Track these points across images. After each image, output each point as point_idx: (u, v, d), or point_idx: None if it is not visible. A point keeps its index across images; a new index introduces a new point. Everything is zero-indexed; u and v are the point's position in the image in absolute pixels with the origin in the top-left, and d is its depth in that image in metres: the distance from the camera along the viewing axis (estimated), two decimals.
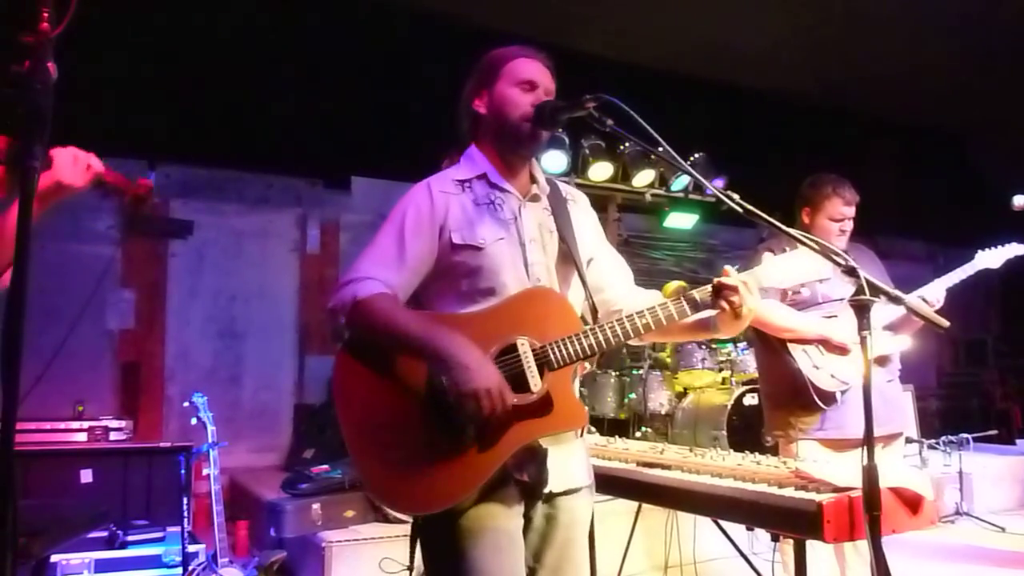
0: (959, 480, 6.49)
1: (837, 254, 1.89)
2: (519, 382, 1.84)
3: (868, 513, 1.79)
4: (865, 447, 1.83)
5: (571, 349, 1.89)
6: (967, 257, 3.59)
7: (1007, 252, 3.61)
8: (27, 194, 1.18)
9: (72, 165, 1.75)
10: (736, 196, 1.90)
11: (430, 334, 1.82)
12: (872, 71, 8.28)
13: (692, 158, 7.42)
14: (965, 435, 6.80)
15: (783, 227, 1.89)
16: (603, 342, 1.92)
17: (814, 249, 1.92)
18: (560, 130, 2.09)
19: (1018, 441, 8.04)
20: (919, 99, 8.96)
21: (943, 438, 6.75)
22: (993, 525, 6.15)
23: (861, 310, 1.83)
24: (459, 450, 1.81)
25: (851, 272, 1.83)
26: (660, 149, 1.90)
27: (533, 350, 1.88)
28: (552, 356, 1.88)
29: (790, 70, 8.24)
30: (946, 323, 1.90)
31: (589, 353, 1.91)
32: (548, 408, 1.86)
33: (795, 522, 1.94)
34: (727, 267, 2.00)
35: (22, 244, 1.18)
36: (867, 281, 1.84)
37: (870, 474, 1.80)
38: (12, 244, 1.71)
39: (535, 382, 1.85)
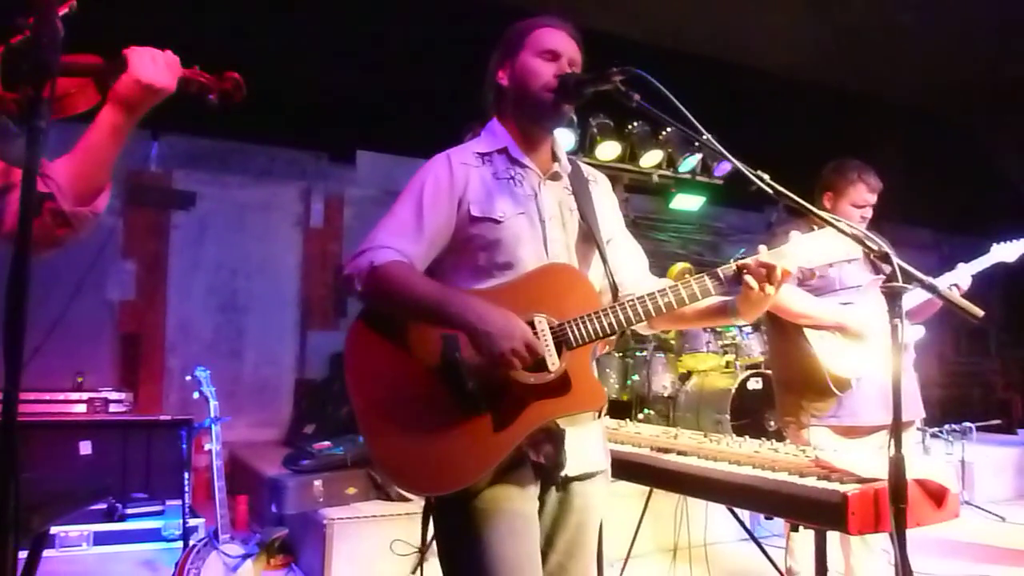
0: (961, 469, 6.48)
1: (870, 238, 1.83)
2: (536, 361, 1.79)
3: (894, 505, 1.74)
4: (892, 437, 1.78)
5: (590, 328, 1.84)
6: (973, 245, 3.57)
7: (1022, 246, 3.57)
8: (33, 156, 1.11)
9: (153, 64, 1.62)
10: (766, 177, 1.83)
11: (449, 299, 1.78)
12: (881, 55, 8.20)
13: (696, 143, 7.32)
14: (968, 424, 6.78)
15: (815, 210, 1.82)
16: (623, 321, 1.86)
17: (845, 233, 1.86)
18: (581, 102, 2.01)
19: (1019, 431, 8.01)
20: (928, 84, 8.88)
21: (947, 426, 6.73)
22: (994, 515, 6.14)
23: (893, 296, 1.76)
24: (474, 430, 1.76)
25: (884, 258, 1.77)
26: (696, 129, 1.83)
27: (551, 328, 1.82)
28: (571, 334, 1.83)
29: (799, 53, 8.15)
30: (980, 312, 1.84)
31: (608, 332, 1.85)
32: (566, 388, 1.80)
33: (818, 513, 1.89)
34: (760, 247, 1.93)
35: (26, 208, 1.11)
36: (900, 267, 1.77)
37: (897, 466, 1.74)
38: (102, 164, 1.63)
39: (553, 361, 1.80)
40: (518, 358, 1.72)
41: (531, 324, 1.82)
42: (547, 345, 1.80)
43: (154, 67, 1.61)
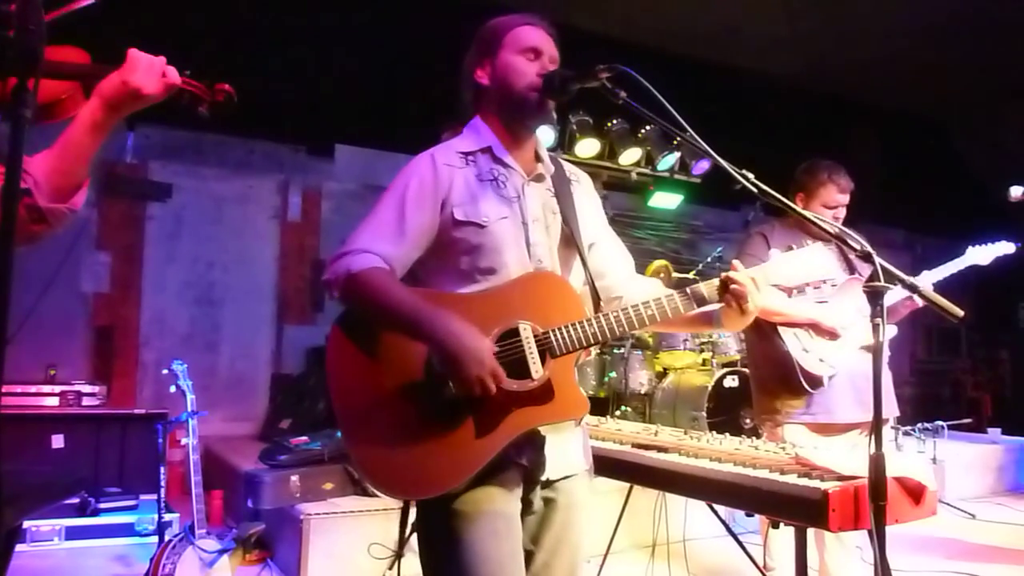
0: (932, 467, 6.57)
1: (852, 238, 1.85)
2: (520, 368, 1.78)
3: (874, 502, 1.76)
4: (873, 434, 1.80)
5: (574, 336, 1.83)
6: (946, 246, 3.60)
7: (997, 249, 3.62)
8: (17, 145, 1.09)
9: (145, 69, 1.60)
10: (751, 176, 1.84)
11: (424, 315, 1.74)
12: (857, 56, 8.27)
13: (675, 141, 7.38)
14: (940, 423, 6.87)
15: (799, 209, 1.84)
16: (607, 331, 1.85)
17: (828, 233, 1.88)
18: (566, 100, 2.02)
19: (989, 430, 8.12)
20: (903, 86, 8.97)
21: (919, 425, 6.82)
22: (965, 512, 6.23)
23: (875, 296, 1.78)
24: (456, 435, 1.75)
25: (867, 257, 1.79)
26: (682, 127, 1.83)
27: (535, 335, 1.81)
28: (555, 342, 1.82)
29: (776, 52, 8.20)
30: (961, 312, 1.87)
31: (592, 341, 1.84)
32: (549, 396, 1.80)
33: (799, 510, 1.90)
34: (735, 262, 1.98)
35: (9, 200, 1.09)
36: (882, 267, 1.79)
37: (878, 463, 1.76)
38: (80, 161, 1.61)
39: (536, 368, 1.79)
40: (481, 386, 1.71)
41: (515, 331, 1.81)
42: (531, 352, 1.79)
43: (145, 72, 1.59)
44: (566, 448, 1.95)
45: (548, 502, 1.95)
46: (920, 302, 3.19)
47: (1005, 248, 3.62)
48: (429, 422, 1.76)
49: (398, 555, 1.80)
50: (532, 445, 1.86)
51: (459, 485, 1.77)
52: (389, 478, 1.79)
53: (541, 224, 1.98)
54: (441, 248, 1.91)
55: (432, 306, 1.77)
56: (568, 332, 1.83)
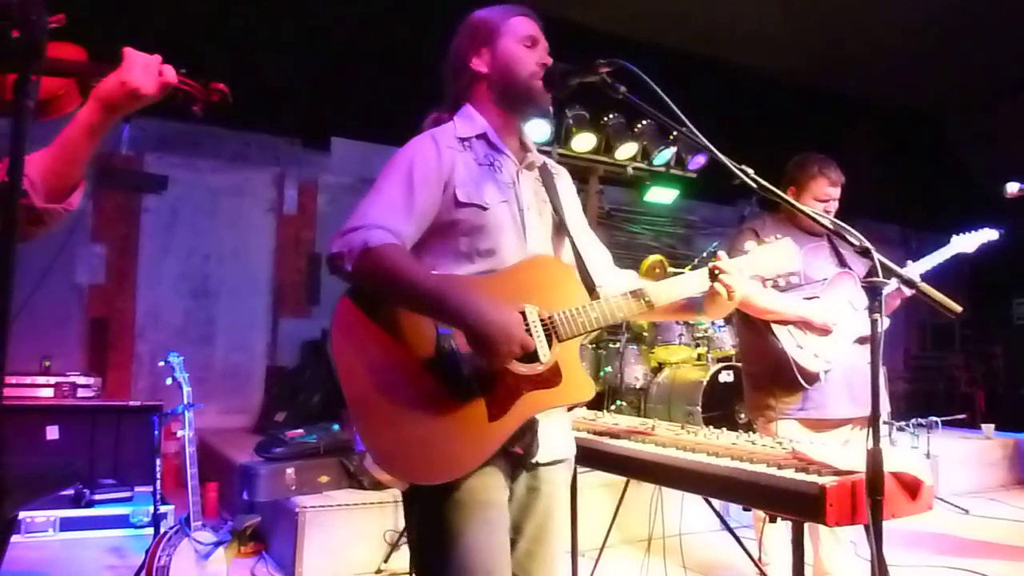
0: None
1: (851, 233, 1.84)
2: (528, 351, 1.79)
3: (871, 497, 1.76)
4: (870, 429, 1.80)
5: (579, 320, 1.86)
6: (941, 241, 3.60)
7: (981, 237, 3.63)
8: (20, 137, 1.08)
9: (143, 68, 1.59)
10: (751, 171, 1.85)
11: (445, 293, 1.73)
12: (852, 51, 8.27)
13: (672, 135, 7.37)
14: (934, 418, 6.89)
15: (800, 206, 1.84)
16: (609, 315, 1.89)
17: (827, 228, 1.88)
18: (566, 94, 2.03)
19: (983, 425, 8.15)
20: (898, 81, 8.98)
21: (913, 420, 6.84)
22: (958, 507, 6.25)
23: (874, 292, 1.78)
24: (469, 419, 1.74)
25: (865, 253, 1.79)
26: (683, 122, 1.84)
27: (540, 319, 1.83)
28: (560, 326, 1.85)
29: (771, 48, 8.19)
30: (959, 308, 1.87)
31: (596, 326, 1.88)
32: (557, 379, 1.82)
33: (796, 504, 1.90)
34: (720, 252, 2.06)
35: (12, 191, 1.09)
36: (880, 262, 1.79)
37: (875, 458, 1.77)
38: (76, 162, 1.61)
39: (544, 352, 1.81)
40: (512, 358, 1.74)
41: (521, 314, 1.82)
42: (538, 336, 1.81)
43: (142, 72, 1.58)
44: (557, 432, 1.97)
45: (531, 490, 1.96)
46: (908, 292, 3.22)
47: (988, 235, 3.62)
48: (442, 406, 1.75)
49: (409, 543, 1.83)
50: (527, 430, 1.85)
51: (472, 470, 1.76)
52: (403, 463, 1.74)
53: (534, 211, 2.02)
54: (441, 228, 1.91)
55: (452, 284, 1.76)
56: (572, 316, 1.86)
